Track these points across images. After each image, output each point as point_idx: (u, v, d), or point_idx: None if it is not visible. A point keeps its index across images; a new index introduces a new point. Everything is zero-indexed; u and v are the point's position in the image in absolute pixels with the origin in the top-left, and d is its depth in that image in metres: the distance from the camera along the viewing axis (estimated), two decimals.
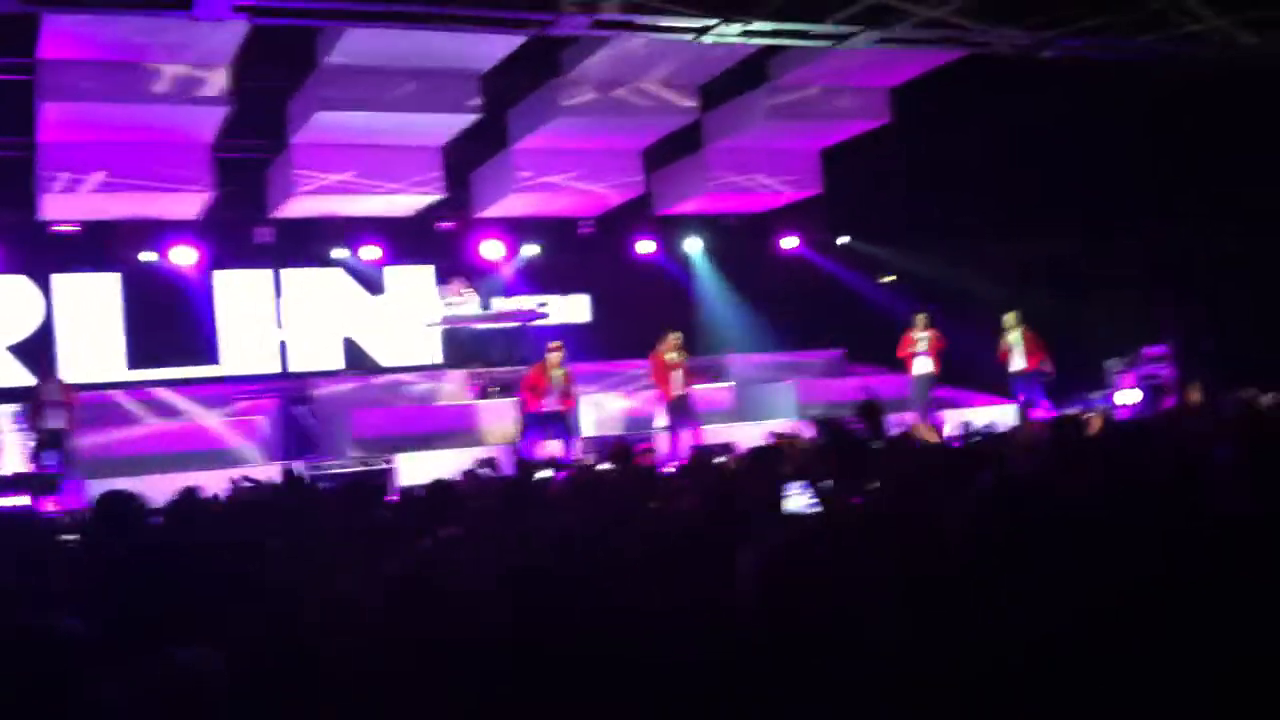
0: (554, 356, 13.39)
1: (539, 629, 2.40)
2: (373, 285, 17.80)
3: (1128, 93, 13.86)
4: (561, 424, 13.24)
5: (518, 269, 18.01)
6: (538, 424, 13.21)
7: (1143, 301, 16.15)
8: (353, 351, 17.53)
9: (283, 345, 17.29)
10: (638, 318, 17.80)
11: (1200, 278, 15.03)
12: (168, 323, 16.39)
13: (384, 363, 17.45)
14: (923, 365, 15.00)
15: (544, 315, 16.62)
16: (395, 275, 17.88)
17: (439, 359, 17.06)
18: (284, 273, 17.31)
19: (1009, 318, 14.79)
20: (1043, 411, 14.32)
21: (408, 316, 17.45)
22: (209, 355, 16.71)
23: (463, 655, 2.34)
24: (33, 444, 12.79)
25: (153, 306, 16.33)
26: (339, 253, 17.12)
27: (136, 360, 16.21)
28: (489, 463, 9.66)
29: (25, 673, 2.26)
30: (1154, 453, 6.23)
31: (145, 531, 5.83)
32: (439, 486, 6.67)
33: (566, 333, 17.36)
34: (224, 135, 13.78)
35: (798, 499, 4.83)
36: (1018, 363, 14.68)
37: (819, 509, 4.73)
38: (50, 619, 2.64)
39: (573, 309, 18.55)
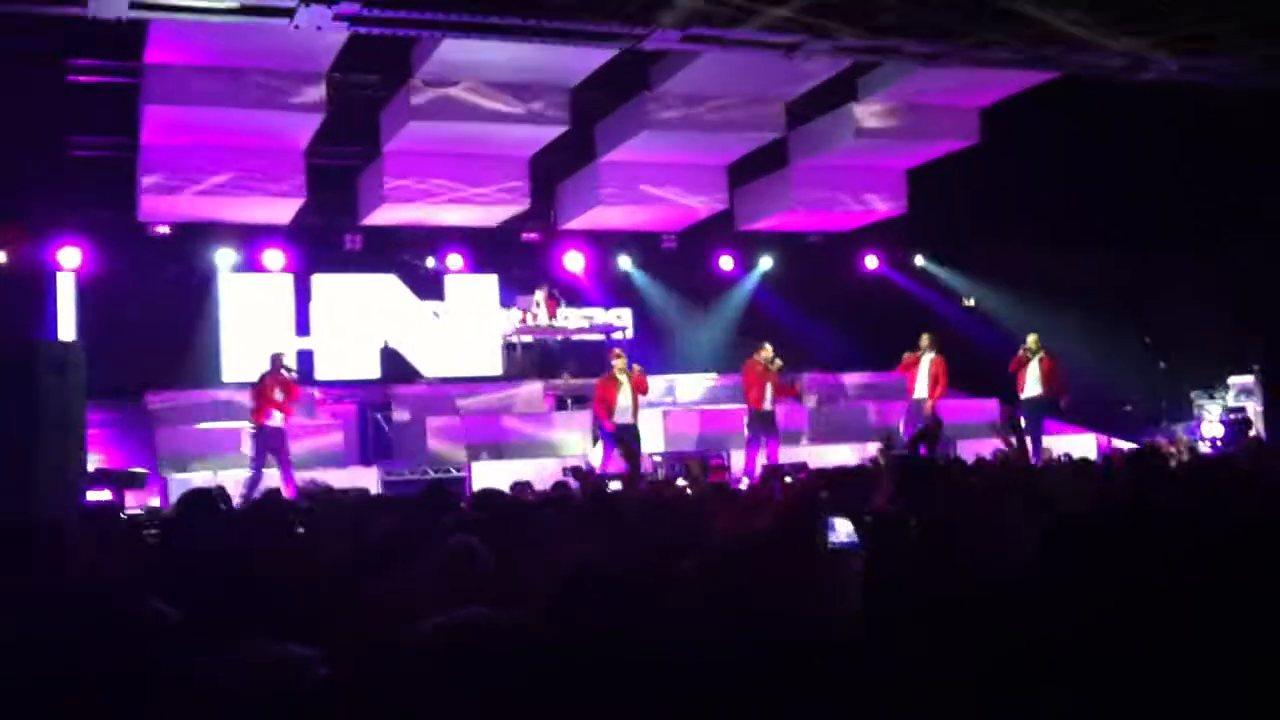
0: (618, 364, 13.42)
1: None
2: (434, 293, 17.37)
3: (1232, 119, 13.58)
4: (635, 436, 13.18)
5: (599, 280, 18.08)
6: (612, 438, 13.18)
7: (1233, 331, 15.84)
8: (392, 361, 16.84)
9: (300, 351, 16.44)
10: (709, 334, 17.84)
11: None
12: (254, 324, 16.58)
13: (431, 373, 16.75)
14: (920, 390, 14.35)
15: (622, 328, 16.73)
16: (468, 283, 17.50)
17: (496, 370, 16.90)
18: (360, 278, 16.97)
19: (1030, 340, 14.20)
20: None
21: (475, 325, 17.20)
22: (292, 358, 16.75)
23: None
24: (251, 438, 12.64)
25: (241, 308, 16.52)
26: (429, 261, 17.05)
27: (223, 361, 16.32)
28: (576, 471, 9.70)
29: (119, 652, 2.34)
30: (1238, 487, 6.10)
31: (220, 533, 5.94)
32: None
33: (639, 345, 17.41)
34: (318, 142, 14.06)
35: (840, 529, 4.69)
36: (1032, 389, 14.06)
37: (858, 545, 4.62)
38: (140, 604, 2.73)
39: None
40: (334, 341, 16.62)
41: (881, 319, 18.43)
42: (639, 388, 13.38)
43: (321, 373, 16.41)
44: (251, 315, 16.30)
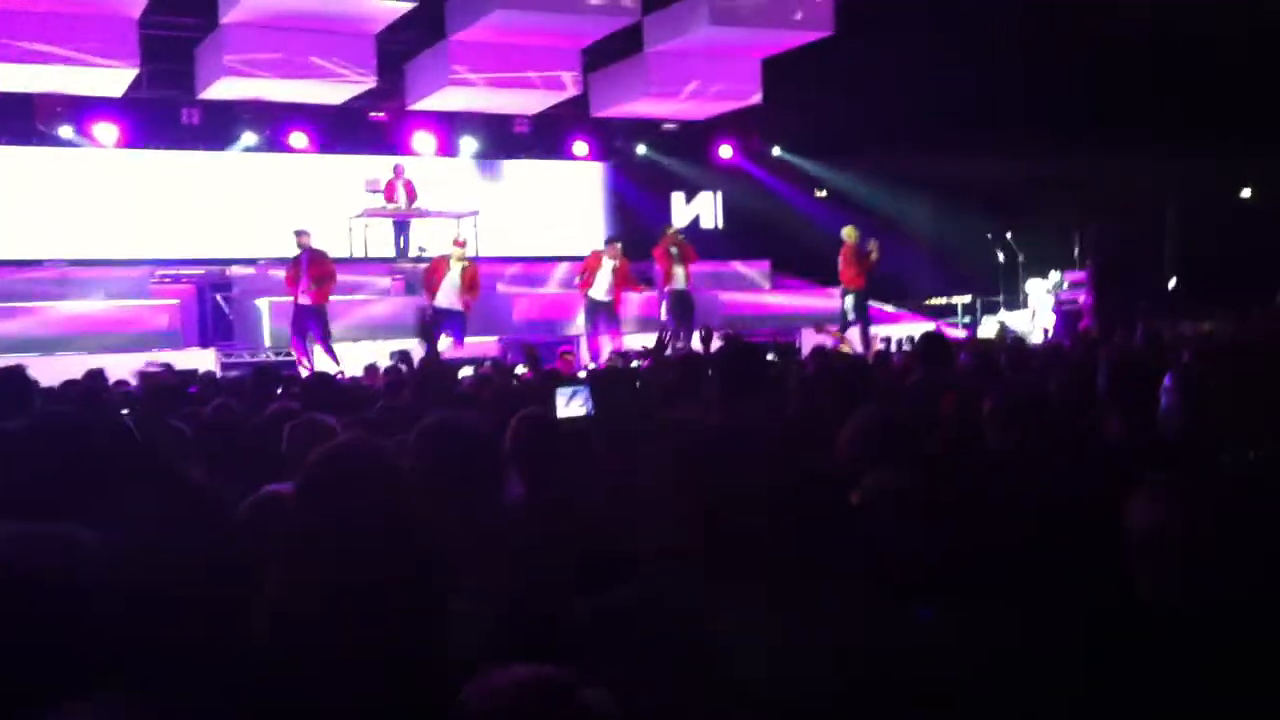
0: (455, 252, 13.30)
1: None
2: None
3: (1078, 15, 13.84)
4: (458, 322, 13.09)
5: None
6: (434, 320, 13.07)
7: (1071, 226, 16.37)
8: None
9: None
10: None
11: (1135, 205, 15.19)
12: (85, 201, 16.03)
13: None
14: (600, 291, 13.51)
15: (475, 213, 16.50)
16: (322, 164, 17.21)
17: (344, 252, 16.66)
18: (204, 155, 16.71)
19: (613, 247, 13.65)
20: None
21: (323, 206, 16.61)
22: (126, 236, 16.27)
23: None
24: None
25: (70, 184, 15.95)
26: (254, 138, 16.64)
27: (51, 238, 15.77)
28: (405, 356, 9.58)
29: None
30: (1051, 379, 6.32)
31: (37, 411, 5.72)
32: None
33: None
34: (152, 11, 13.39)
35: (574, 405, 4.69)
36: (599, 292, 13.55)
37: (590, 413, 4.60)
38: None
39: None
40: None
41: (733, 208, 18.58)
42: (470, 279, 13.25)
43: (158, 251, 15.99)
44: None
